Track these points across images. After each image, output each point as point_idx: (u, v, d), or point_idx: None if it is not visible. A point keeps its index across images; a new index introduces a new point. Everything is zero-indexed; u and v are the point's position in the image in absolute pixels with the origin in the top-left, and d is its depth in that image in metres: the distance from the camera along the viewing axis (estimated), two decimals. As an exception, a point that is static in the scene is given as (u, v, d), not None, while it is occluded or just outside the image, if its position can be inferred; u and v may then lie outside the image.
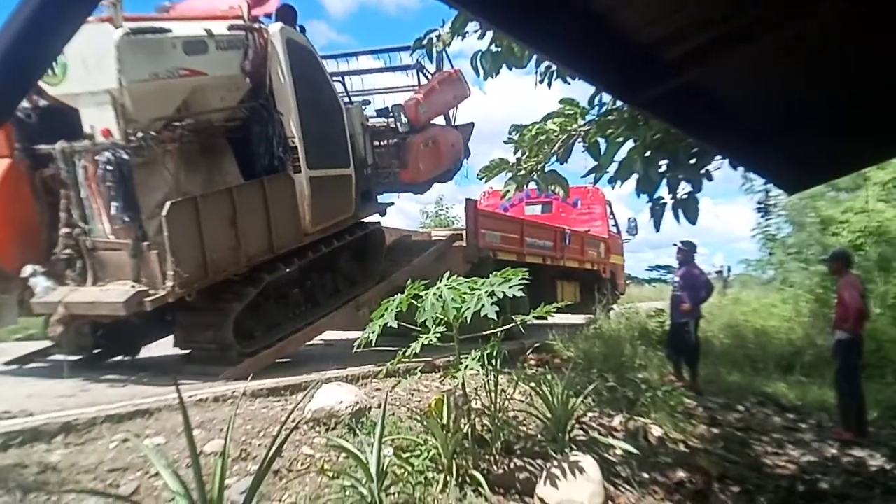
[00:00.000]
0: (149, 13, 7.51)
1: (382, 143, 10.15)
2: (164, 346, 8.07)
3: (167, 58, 6.64)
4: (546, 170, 6.46)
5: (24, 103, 6.71)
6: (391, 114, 10.07)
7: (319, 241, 8.51)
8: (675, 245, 9.77)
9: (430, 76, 10.82)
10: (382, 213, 10.35)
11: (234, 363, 6.85)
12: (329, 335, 9.51)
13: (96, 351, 7.85)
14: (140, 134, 6.43)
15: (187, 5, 8.18)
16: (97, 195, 6.64)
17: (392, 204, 10.73)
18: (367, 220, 9.75)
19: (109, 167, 6.31)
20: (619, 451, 5.52)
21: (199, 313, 7.06)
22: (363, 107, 9.82)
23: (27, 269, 6.69)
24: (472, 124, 12.09)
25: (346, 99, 10.01)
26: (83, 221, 6.77)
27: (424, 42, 6.94)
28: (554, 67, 5.98)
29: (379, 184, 10.10)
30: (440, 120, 11.08)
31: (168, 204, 6.42)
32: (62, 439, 4.26)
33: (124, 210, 6.40)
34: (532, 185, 6.86)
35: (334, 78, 9.62)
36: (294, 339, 7.84)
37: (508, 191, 6.66)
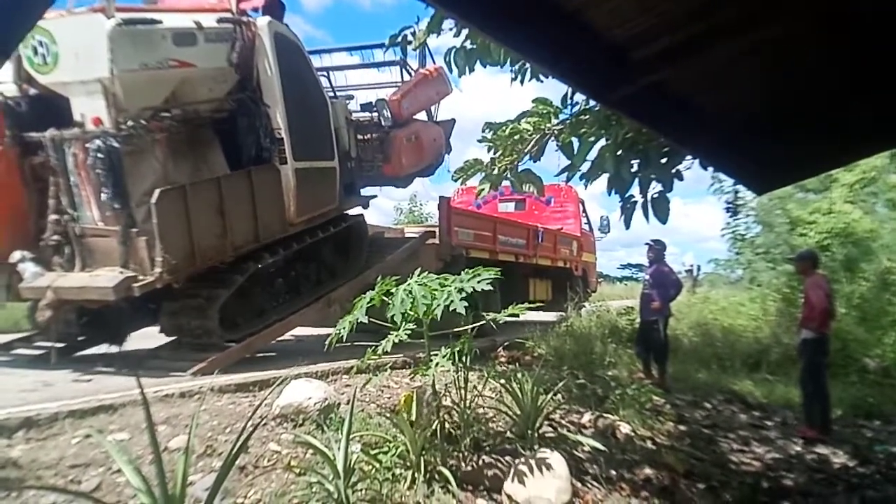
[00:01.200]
0: (139, 4, 7.61)
1: (366, 137, 10.29)
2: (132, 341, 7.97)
3: (157, 49, 6.73)
4: (520, 169, 6.49)
5: (15, 91, 6.86)
6: (375, 108, 10.20)
7: (304, 232, 8.68)
8: (646, 244, 9.86)
9: (413, 72, 10.92)
10: (365, 206, 10.61)
11: (220, 349, 6.97)
12: (300, 331, 9.46)
13: (82, 338, 7.91)
14: (130, 123, 6.53)
15: None
16: (86, 182, 6.72)
17: (374, 197, 11.01)
18: (350, 212, 9.95)
19: (100, 155, 6.40)
20: (587, 448, 5.54)
21: (186, 300, 7.17)
22: (347, 101, 9.97)
23: (16, 255, 6.78)
24: (453, 120, 12.23)
25: (331, 93, 10.11)
26: (72, 208, 6.86)
27: (399, 38, 6.95)
28: (528, 65, 6.00)
29: (362, 177, 10.26)
30: (422, 115, 11.19)
31: (158, 192, 6.52)
32: (23, 434, 4.19)
33: (113, 197, 6.51)
34: (506, 183, 6.89)
35: (319, 72, 9.71)
36: (264, 335, 7.80)
37: (483, 189, 6.68)
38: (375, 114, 10.17)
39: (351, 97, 10.35)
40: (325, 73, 10.67)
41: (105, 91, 6.39)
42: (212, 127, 7.66)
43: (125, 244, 6.60)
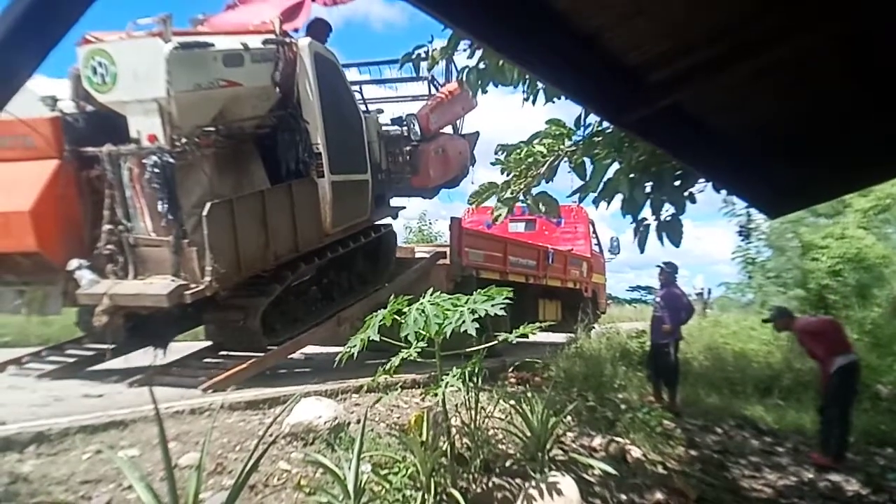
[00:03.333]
0: (187, 28, 8.05)
1: (395, 150, 10.54)
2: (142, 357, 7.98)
3: (209, 70, 7.05)
4: (535, 191, 6.48)
5: (73, 109, 7.19)
6: (405, 122, 10.49)
7: (338, 242, 9.02)
8: (656, 266, 9.83)
9: (440, 87, 11.21)
10: (394, 217, 10.99)
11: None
12: (309, 348, 9.46)
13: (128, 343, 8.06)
14: (183, 140, 6.80)
15: (221, 19, 8.73)
16: (140, 195, 7.02)
17: (404, 208, 11.38)
18: (380, 222, 10.30)
19: (155, 170, 6.67)
20: (597, 472, 5.49)
21: (230, 305, 7.52)
22: (378, 115, 10.28)
23: (73, 263, 6.97)
24: (477, 133, 12.46)
25: (364, 108, 10.41)
26: (126, 219, 7.14)
27: (413, 56, 7.03)
28: (540, 86, 6.03)
29: (391, 188, 10.56)
30: (448, 129, 11.45)
31: (208, 205, 6.84)
32: (34, 449, 4.18)
33: (167, 209, 6.78)
34: (518, 204, 6.87)
35: (353, 86, 10.05)
36: (275, 353, 7.85)
37: (500, 214, 6.67)
38: (405, 127, 10.46)
39: (381, 111, 10.62)
40: (358, 89, 10.94)
41: (161, 110, 6.65)
42: (253, 142, 8.00)
43: (177, 254, 6.87)
